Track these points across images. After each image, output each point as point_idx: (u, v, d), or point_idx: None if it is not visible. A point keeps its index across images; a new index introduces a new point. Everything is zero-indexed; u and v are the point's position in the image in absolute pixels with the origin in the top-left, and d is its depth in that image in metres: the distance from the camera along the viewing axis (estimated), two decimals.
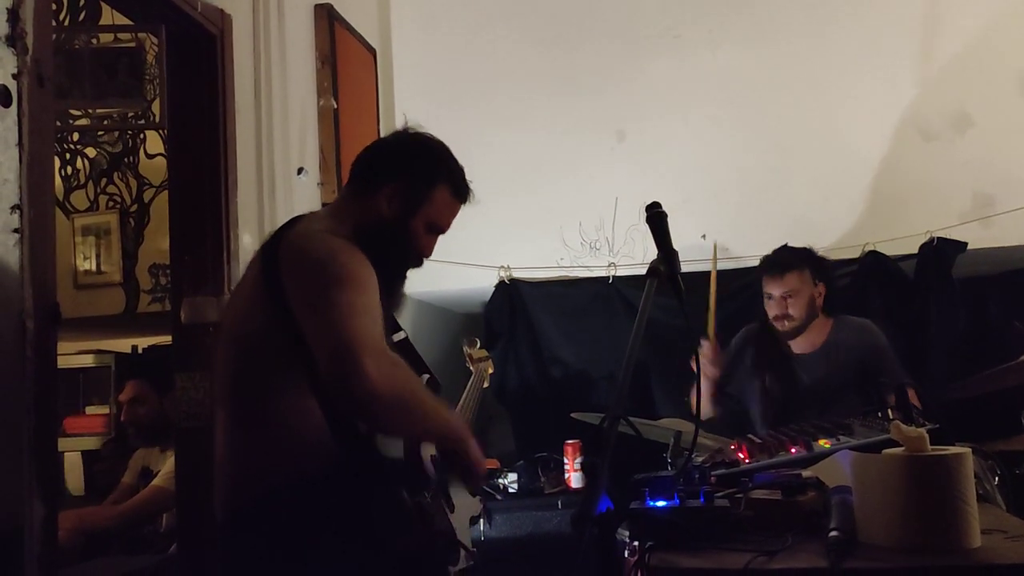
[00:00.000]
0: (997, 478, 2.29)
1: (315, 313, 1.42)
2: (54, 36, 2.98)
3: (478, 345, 2.78)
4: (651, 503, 1.39)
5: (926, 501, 1.25)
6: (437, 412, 1.53)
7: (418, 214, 1.69)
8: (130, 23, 2.93)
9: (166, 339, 3.23)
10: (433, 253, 1.78)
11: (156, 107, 3.27)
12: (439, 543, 1.49)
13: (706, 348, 3.02)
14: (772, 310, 2.95)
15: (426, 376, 1.78)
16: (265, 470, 1.52)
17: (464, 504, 1.67)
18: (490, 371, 2.68)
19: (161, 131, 3.41)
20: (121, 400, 3.25)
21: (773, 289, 2.94)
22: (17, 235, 1.67)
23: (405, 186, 1.69)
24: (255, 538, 1.50)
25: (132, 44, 2.64)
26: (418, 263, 1.76)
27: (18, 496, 1.65)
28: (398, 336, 1.85)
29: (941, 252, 3.53)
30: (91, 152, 3.92)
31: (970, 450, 1.28)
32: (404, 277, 1.76)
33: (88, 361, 4.24)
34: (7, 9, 1.67)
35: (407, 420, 1.45)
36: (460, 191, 1.74)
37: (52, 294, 1.77)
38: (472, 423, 1.97)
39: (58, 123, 2.97)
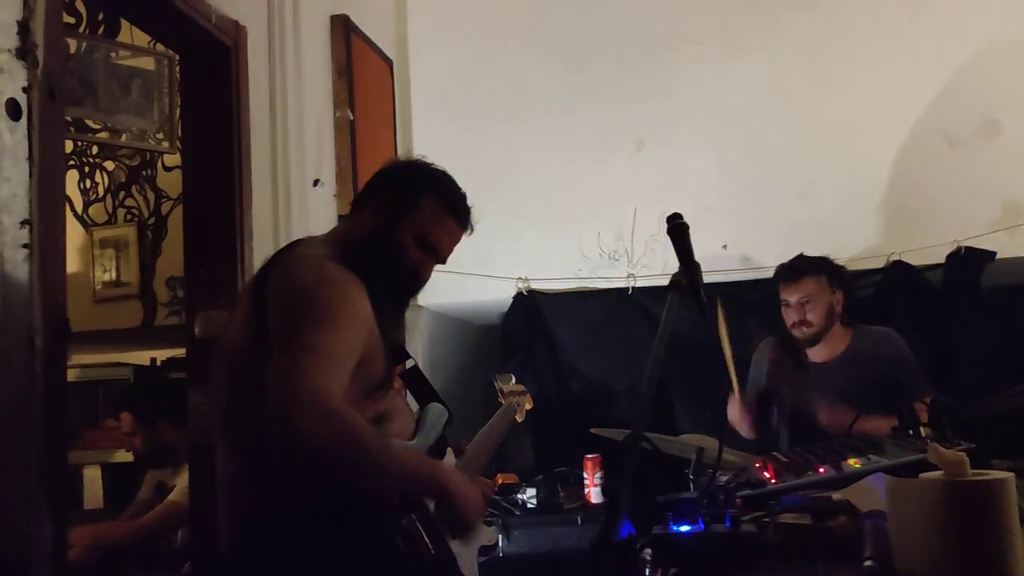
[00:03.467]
0: None
1: (277, 351, 1.40)
2: (76, 48, 3.01)
3: (513, 380, 2.62)
4: (675, 528, 1.34)
5: (968, 529, 1.18)
6: (393, 465, 1.42)
7: (405, 222, 1.64)
8: (147, 44, 2.93)
9: (183, 352, 3.22)
10: (430, 276, 1.71)
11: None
12: (435, 571, 1.44)
13: (735, 406, 2.96)
14: (790, 317, 2.91)
15: (436, 405, 1.72)
16: (263, 500, 1.49)
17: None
18: (528, 406, 2.50)
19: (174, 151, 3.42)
20: (122, 433, 3.23)
21: (789, 296, 2.91)
22: (27, 250, 1.65)
23: (392, 195, 1.67)
24: (257, 570, 1.48)
25: (151, 65, 2.64)
26: (411, 280, 1.68)
27: (26, 515, 1.63)
28: (407, 364, 1.80)
29: (969, 262, 3.44)
30: (109, 165, 3.94)
31: (1012, 475, 1.22)
32: (397, 294, 1.68)
33: (107, 374, 4.23)
34: (17, 22, 1.66)
35: (350, 473, 1.38)
36: (451, 203, 1.69)
37: (62, 310, 1.75)
38: (489, 459, 1.88)
39: (73, 130, 2.97)
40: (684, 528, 1.34)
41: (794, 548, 1.36)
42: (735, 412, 2.96)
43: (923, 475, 1.26)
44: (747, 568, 1.29)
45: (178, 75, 3.17)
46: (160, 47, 3.23)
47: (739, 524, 1.36)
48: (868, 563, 1.22)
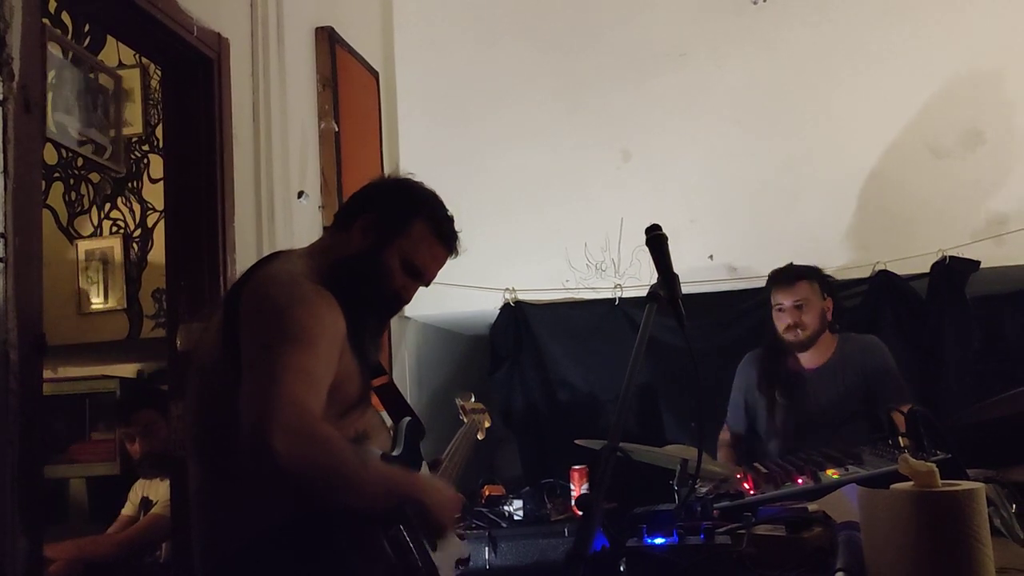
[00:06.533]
0: (1015, 506, 2.20)
1: (250, 372, 1.36)
2: (67, 56, 3.00)
3: (472, 399, 2.67)
4: (649, 540, 1.33)
5: (937, 540, 1.18)
6: (370, 484, 1.40)
7: (392, 245, 1.61)
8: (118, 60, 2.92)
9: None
10: (413, 297, 1.69)
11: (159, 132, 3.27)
12: None
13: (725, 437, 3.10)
14: (783, 320, 2.91)
15: (407, 419, 1.71)
16: (238, 521, 1.45)
17: (449, 544, 1.59)
18: (487, 424, 2.54)
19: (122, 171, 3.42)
20: (135, 432, 3.18)
21: (784, 299, 2.91)
22: (1, 264, 1.64)
23: (380, 216, 1.63)
24: None
25: (108, 83, 2.64)
26: (395, 303, 1.66)
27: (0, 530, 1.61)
28: (379, 381, 1.78)
29: (953, 271, 3.45)
30: (95, 177, 3.92)
31: (983, 486, 1.22)
32: (377, 317, 1.66)
33: (93, 387, 4.21)
34: None
35: (326, 495, 1.36)
36: (440, 230, 1.66)
37: (38, 324, 1.74)
38: (458, 478, 1.88)
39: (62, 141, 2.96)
40: (658, 540, 1.33)
41: (768, 559, 1.36)
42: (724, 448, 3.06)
43: (894, 486, 1.25)
44: None
45: (126, 95, 3.17)
46: (115, 64, 3.21)
47: (713, 536, 1.36)
48: (840, 574, 1.21)
